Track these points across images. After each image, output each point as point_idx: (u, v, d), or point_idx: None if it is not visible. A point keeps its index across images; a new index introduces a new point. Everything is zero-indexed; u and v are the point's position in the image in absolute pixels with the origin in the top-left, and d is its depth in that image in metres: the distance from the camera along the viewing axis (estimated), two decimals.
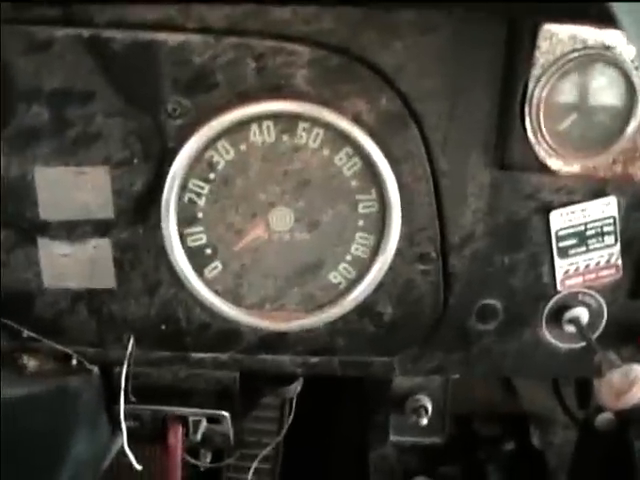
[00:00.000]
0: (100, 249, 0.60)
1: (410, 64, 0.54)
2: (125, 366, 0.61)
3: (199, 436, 0.68)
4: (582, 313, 0.63)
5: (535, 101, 0.54)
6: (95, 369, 0.64)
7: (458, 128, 0.56)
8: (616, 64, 0.53)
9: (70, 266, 0.60)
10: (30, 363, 0.63)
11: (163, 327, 0.62)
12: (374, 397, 0.85)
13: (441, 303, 0.62)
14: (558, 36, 0.52)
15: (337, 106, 0.55)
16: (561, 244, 0.60)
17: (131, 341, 0.62)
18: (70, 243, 0.59)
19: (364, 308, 0.62)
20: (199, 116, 0.55)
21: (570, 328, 0.63)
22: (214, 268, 0.60)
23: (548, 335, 0.64)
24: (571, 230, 0.60)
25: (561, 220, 0.60)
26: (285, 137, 0.56)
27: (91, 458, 0.66)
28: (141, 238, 0.59)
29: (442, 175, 0.58)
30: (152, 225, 0.58)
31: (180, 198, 0.58)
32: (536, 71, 0.53)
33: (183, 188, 0.58)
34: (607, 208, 0.60)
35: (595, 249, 0.61)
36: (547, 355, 0.64)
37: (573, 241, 0.61)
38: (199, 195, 0.58)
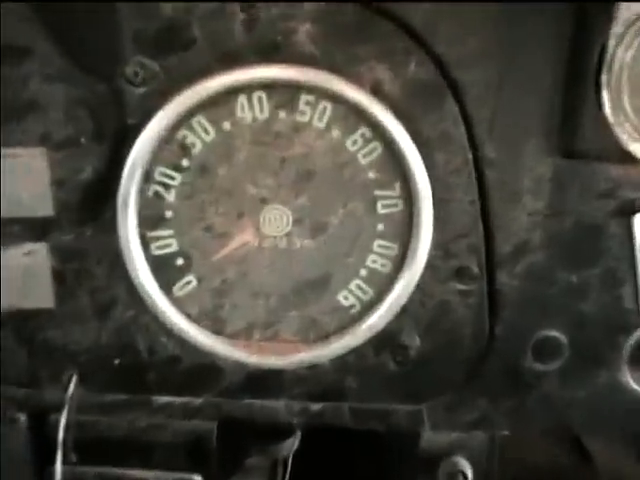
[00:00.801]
0: (35, 257, 0.59)
1: (447, 19, 0.54)
2: (65, 413, 0.60)
3: None
4: None
5: (616, 67, 0.53)
6: (23, 417, 0.64)
7: (510, 103, 0.56)
8: None
9: None
10: None
11: (117, 361, 0.62)
12: (395, 458, 0.85)
13: (485, 334, 0.62)
14: None
15: (351, 73, 0.55)
16: None
17: (73, 380, 0.61)
18: None
19: (384, 339, 0.61)
20: (169, 83, 0.55)
21: None
22: (187, 284, 0.60)
23: (631, 379, 0.63)
24: None
25: None
26: (282, 113, 0.56)
27: None
28: (90, 243, 0.59)
29: (488, 165, 0.57)
30: (105, 226, 0.58)
31: (143, 191, 0.58)
32: (617, 28, 0.51)
33: (147, 178, 0.57)
34: None
35: None
36: (629, 406, 0.63)
37: None
38: (168, 187, 0.58)
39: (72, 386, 0.60)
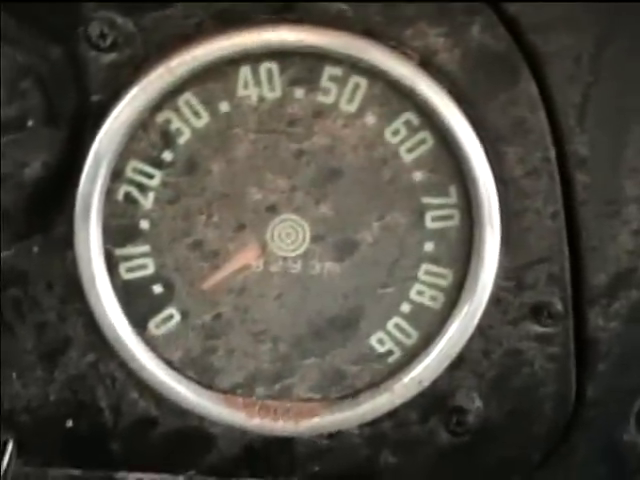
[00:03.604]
0: None
1: None
2: None
3: None
4: None
5: None
6: None
7: (610, 82, 0.54)
8: None
9: None
10: None
11: (69, 423, 0.59)
12: None
13: (572, 396, 0.60)
14: None
15: (393, 39, 0.53)
16: None
17: (9, 447, 0.59)
18: None
19: (432, 399, 0.60)
20: (147, 48, 0.54)
21: None
22: (167, 319, 0.59)
23: None
24: None
25: None
26: (299, 91, 0.55)
27: None
28: (36, 262, 0.58)
29: (578, 165, 0.55)
30: (57, 240, 0.57)
31: (110, 193, 0.56)
32: None
33: (116, 176, 0.56)
34: None
35: None
36: None
37: None
38: (144, 189, 0.56)
39: (7, 456, 0.59)
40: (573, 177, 0.56)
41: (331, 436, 0.60)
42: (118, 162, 0.56)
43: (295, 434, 0.60)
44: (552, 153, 0.56)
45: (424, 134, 0.56)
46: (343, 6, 0.54)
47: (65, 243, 0.56)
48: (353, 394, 0.59)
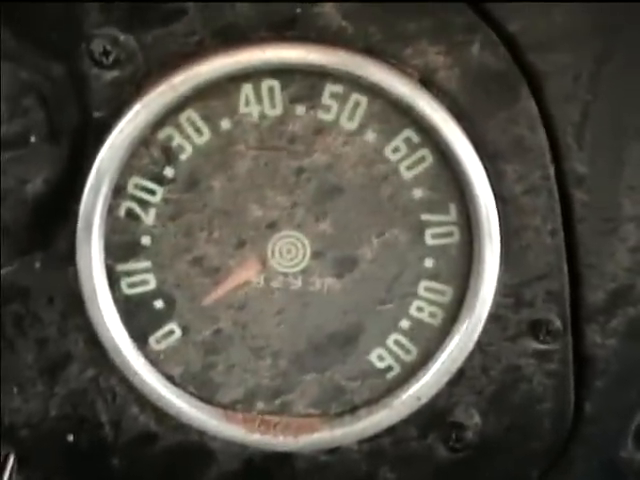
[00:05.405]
0: None
1: None
2: None
3: None
4: None
5: None
6: None
7: (608, 100, 0.54)
8: None
9: None
10: None
11: (70, 438, 0.59)
12: None
13: (570, 413, 0.60)
14: None
15: (393, 57, 0.54)
16: None
17: (10, 461, 0.59)
18: None
19: (431, 415, 0.59)
20: (149, 65, 0.54)
21: None
22: (168, 334, 0.59)
23: None
24: None
25: None
26: (300, 109, 0.55)
27: None
28: (38, 278, 0.58)
29: (576, 183, 0.56)
30: (59, 256, 0.57)
31: (112, 210, 0.56)
32: None
33: (118, 192, 0.56)
34: None
35: None
36: None
37: None
38: (146, 205, 0.56)
39: (8, 471, 0.58)
40: (571, 195, 0.56)
41: (330, 452, 0.59)
42: (120, 178, 0.56)
43: (295, 449, 0.60)
44: (551, 171, 0.56)
45: (424, 152, 0.56)
46: (343, 23, 0.52)
47: (67, 259, 0.56)
48: (352, 410, 0.59)
